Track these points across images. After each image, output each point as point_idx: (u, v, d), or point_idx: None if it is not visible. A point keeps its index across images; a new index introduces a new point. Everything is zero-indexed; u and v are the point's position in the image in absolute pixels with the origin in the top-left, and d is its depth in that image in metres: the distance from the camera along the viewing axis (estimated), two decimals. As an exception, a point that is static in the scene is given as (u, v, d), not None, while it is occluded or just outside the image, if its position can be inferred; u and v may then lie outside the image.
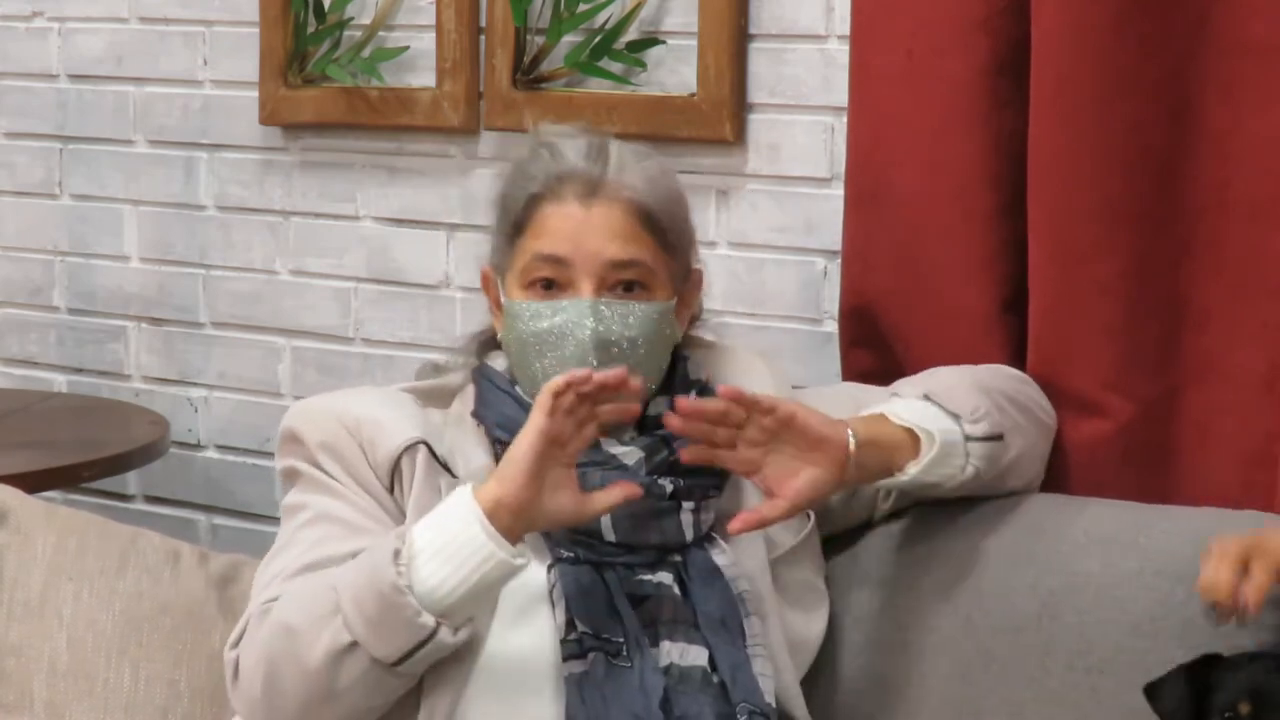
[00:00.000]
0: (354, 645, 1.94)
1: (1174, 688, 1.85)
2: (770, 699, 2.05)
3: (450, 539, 1.93)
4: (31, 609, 2.30)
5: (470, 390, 2.16)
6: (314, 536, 2.06)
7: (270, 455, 3.18)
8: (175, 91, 3.23)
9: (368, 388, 2.25)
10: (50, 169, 3.37)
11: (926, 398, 2.13)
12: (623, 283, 2.09)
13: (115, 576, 2.33)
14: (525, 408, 2.06)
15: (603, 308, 2.07)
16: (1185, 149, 2.27)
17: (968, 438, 2.13)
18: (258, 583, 2.09)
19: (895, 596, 2.23)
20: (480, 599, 1.96)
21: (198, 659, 2.32)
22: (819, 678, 2.18)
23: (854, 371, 2.53)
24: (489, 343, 2.20)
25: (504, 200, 2.14)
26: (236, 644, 2.04)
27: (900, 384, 2.23)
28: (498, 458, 2.07)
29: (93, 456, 2.89)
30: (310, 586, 1.99)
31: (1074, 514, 2.20)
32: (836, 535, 2.25)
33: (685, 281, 2.17)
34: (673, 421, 2.00)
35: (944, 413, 2.12)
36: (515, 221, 2.11)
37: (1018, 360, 2.39)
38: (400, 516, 2.07)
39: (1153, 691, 1.87)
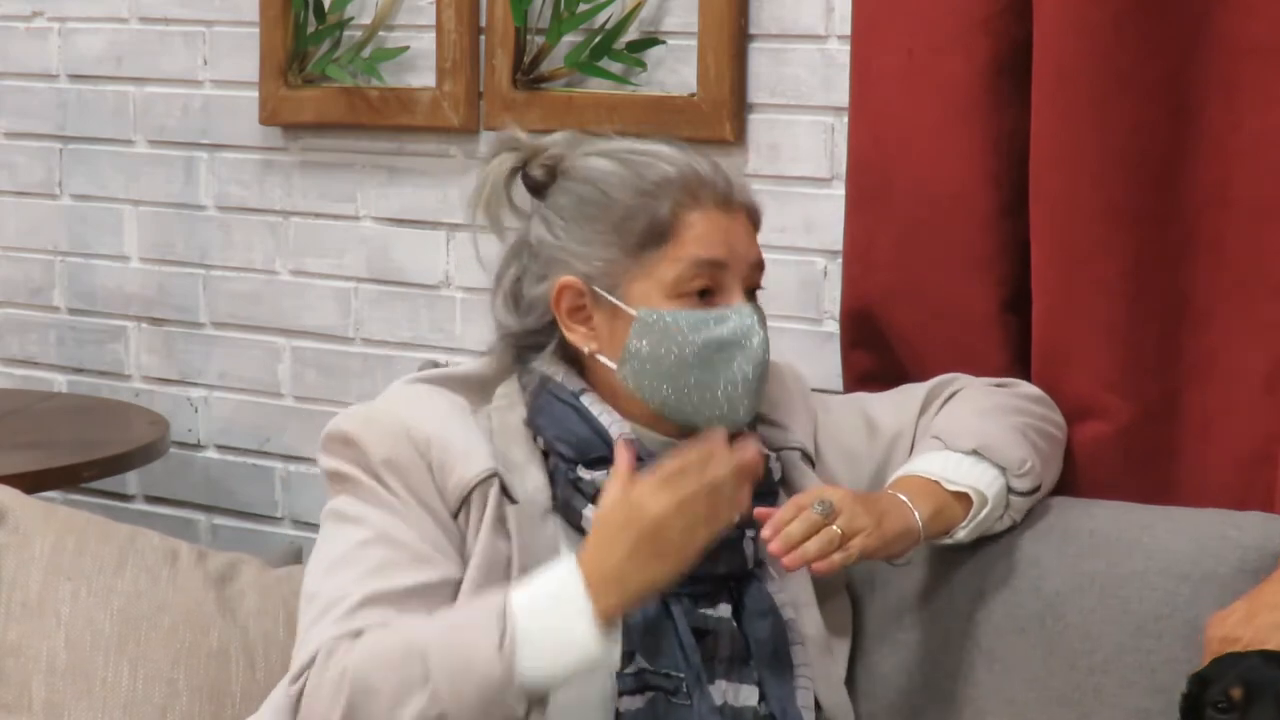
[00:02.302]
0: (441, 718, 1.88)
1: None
2: None
3: (557, 634, 1.86)
4: (30, 609, 2.30)
5: (515, 391, 2.10)
6: (376, 559, 1.98)
7: (271, 455, 3.20)
8: (175, 91, 3.23)
9: (415, 392, 2.11)
10: (50, 169, 3.37)
11: (976, 453, 2.12)
12: (755, 287, 2.08)
13: (113, 576, 2.32)
14: (589, 421, 2.03)
15: (760, 312, 2.06)
16: (1185, 149, 2.27)
17: (1011, 491, 2.14)
18: (311, 591, 2.00)
19: (898, 597, 2.23)
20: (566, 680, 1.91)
21: (196, 658, 2.31)
22: (855, 679, 2.18)
23: (854, 372, 2.53)
24: (531, 344, 2.12)
25: (628, 210, 2.03)
26: (299, 678, 1.95)
27: (941, 421, 2.20)
28: (551, 475, 2.04)
29: (93, 456, 2.89)
30: (392, 645, 1.91)
31: (1077, 515, 2.20)
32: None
33: None
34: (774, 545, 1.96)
35: (991, 465, 2.13)
36: (654, 231, 2.02)
37: (1019, 361, 2.39)
38: (462, 542, 2.01)
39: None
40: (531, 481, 2.04)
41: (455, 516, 2.02)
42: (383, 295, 3.07)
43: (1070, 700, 2.09)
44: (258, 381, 3.20)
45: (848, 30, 2.53)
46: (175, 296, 3.27)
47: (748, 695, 2.02)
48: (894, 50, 2.43)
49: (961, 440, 2.13)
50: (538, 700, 1.90)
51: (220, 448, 3.25)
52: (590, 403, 2.06)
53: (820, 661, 2.09)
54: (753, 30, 2.70)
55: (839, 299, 2.56)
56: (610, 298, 2.04)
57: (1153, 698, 2.04)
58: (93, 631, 2.29)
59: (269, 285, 3.17)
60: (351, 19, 3.02)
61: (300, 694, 1.94)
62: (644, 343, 2.03)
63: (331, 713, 1.90)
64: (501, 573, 1.99)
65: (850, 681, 2.18)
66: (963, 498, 2.10)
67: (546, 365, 2.09)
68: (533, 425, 2.07)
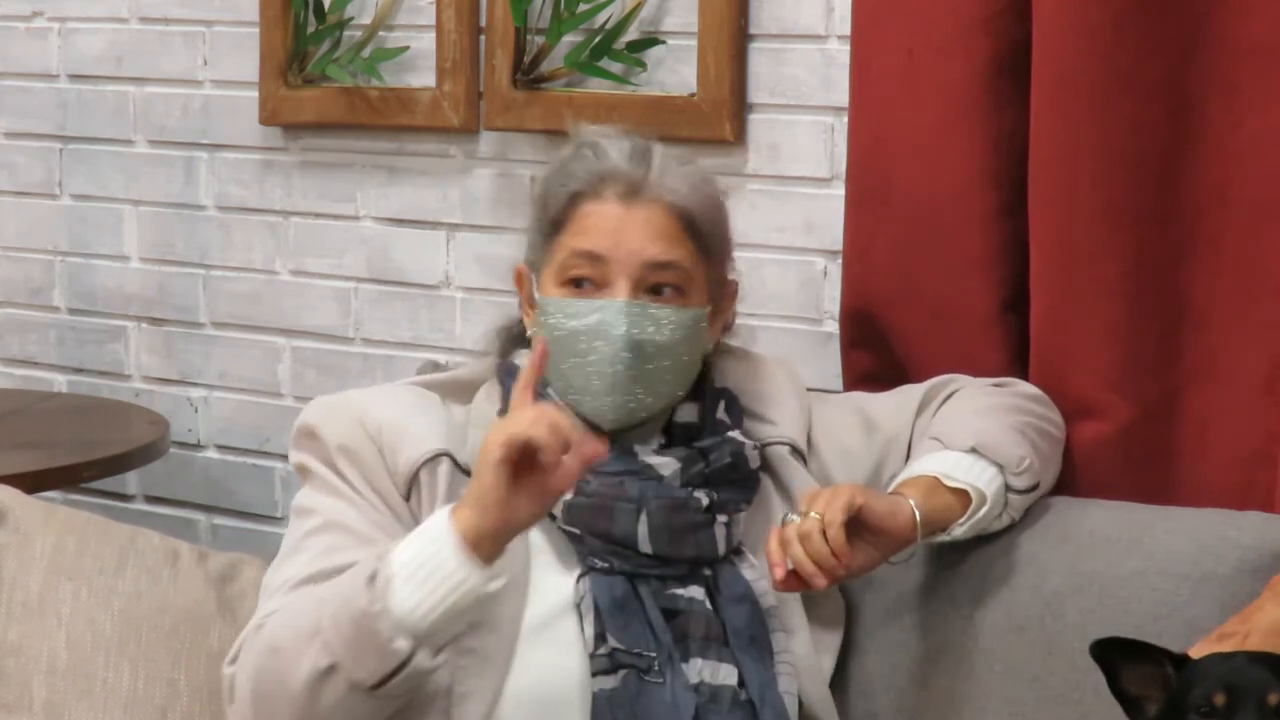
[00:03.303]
0: (333, 668, 1.90)
1: (1137, 672, 1.83)
2: (794, 718, 2.05)
3: (425, 562, 1.88)
4: (30, 609, 2.30)
5: (495, 387, 2.13)
6: (322, 545, 2.02)
7: (271, 455, 3.20)
8: (175, 91, 3.23)
9: (392, 386, 2.20)
10: (50, 169, 3.37)
11: (974, 450, 2.12)
12: (659, 285, 2.07)
13: (114, 576, 2.33)
14: (559, 407, 2.04)
15: (637, 309, 2.05)
16: (1185, 149, 2.27)
17: (1009, 489, 2.14)
18: (265, 590, 2.06)
19: (896, 597, 2.22)
20: (458, 621, 1.90)
21: (196, 658, 2.31)
22: (849, 677, 2.18)
23: (854, 372, 2.53)
24: (516, 339, 2.17)
25: (544, 198, 2.11)
26: (234, 660, 2.01)
27: (940, 421, 2.19)
28: None
29: (93, 456, 2.89)
30: (301, 603, 1.96)
31: (1077, 515, 2.20)
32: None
33: (721, 290, 2.15)
34: (778, 574, 1.97)
35: (990, 463, 2.12)
36: (554, 218, 2.08)
37: (1019, 361, 2.39)
38: (414, 526, 2.01)
39: (1108, 661, 1.84)
40: None
41: (408, 498, 2.05)
42: (383, 295, 3.07)
43: (1070, 700, 2.09)
44: (258, 381, 3.20)
45: (848, 30, 2.53)
46: (175, 296, 3.27)
47: (727, 675, 2.02)
48: (894, 50, 2.43)
49: (959, 439, 2.13)
50: (430, 641, 1.89)
51: (220, 448, 3.25)
52: (556, 394, 2.08)
53: (804, 655, 2.09)
54: (753, 30, 2.70)
55: (839, 299, 2.56)
56: (533, 283, 2.11)
57: (1153, 698, 2.04)
58: (93, 632, 2.29)
59: (269, 285, 3.17)
60: (351, 19, 3.02)
61: (234, 676, 1.99)
62: (539, 328, 2.08)
63: (248, 680, 1.95)
64: None
65: (847, 681, 2.19)
66: (961, 495, 2.10)
67: (520, 356, 2.13)
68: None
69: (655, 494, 2.04)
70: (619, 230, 2.06)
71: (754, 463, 2.12)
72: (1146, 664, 1.80)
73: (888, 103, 2.45)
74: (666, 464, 2.06)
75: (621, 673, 1.98)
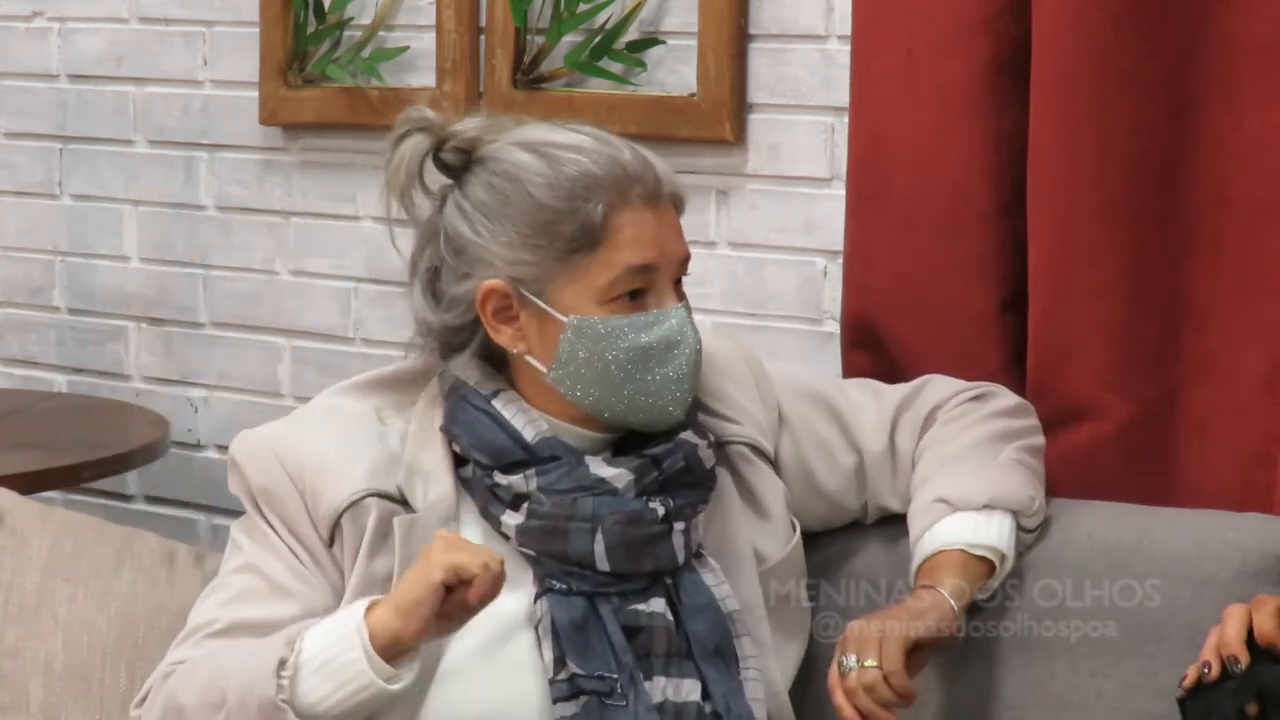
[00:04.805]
0: None
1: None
2: None
3: (334, 658, 1.86)
4: (27, 610, 2.30)
5: (436, 393, 2.06)
6: (238, 587, 2.00)
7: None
8: (175, 91, 3.23)
9: (323, 403, 2.11)
10: (50, 169, 3.37)
11: (988, 507, 2.10)
12: (678, 279, 2.04)
13: (111, 578, 2.33)
14: (503, 426, 2.00)
15: (687, 309, 2.02)
16: (1185, 149, 2.26)
17: (1023, 529, 2.13)
18: (191, 616, 2.03)
19: (894, 600, 2.22)
20: (358, 714, 1.89)
21: (194, 660, 2.31)
22: (812, 682, 2.17)
23: (854, 372, 2.52)
24: (452, 344, 2.06)
25: (553, 213, 1.97)
26: (141, 703, 1.99)
27: (940, 473, 2.14)
28: (467, 482, 2.02)
29: (93, 456, 2.89)
30: (207, 668, 1.93)
31: (1076, 517, 2.20)
32: (829, 534, 2.25)
33: None
34: None
35: (1005, 513, 2.10)
36: (584, 235, 1.96)
37: (1017, 362, 2.39)
38: (336, 572, 2.00)
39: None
40: (435, 490, 2.02)
41: (331, 544, 2.01)
42: (382, 295, 3.06)
43: (1071, 704, 2.09)
44: (258, 381, 3.20)
45: (848, 30, 2.53)
46: (175, 296, 3.27)
47: (690, 690, 1.99)
48: (894, 50, 2.42)
49: (970, 497, 2.10)
50: None
51: (220, 448, 3.25)
52: (503, 405, 2.02)
53: (763, 664, 2.06)
54: (753, 30, 2.70)
55: (839, 299, 2.56)
56: (538, 302, 1.99)
57: (1154, 701, 2.03)
58: (90, 633, 2.29)
59: (269, 285, 3.17)
60: (351, 19, 3.02)
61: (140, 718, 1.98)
62: (577, 349, 1.99)
63: None
64: (379, 590, 1.97)
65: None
66: (986, 561, 2.08)
67: (462, 369, 2.05)
68: (448, 431, 2.04)
69: (610, 509, 1.99)
70: (660, 235, 2.00)
71: (708, 462, 2.07)
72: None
73: (888, 103, 2.45)
74: (620, 475, 2.00)
75: (582, 699, 1.95)
